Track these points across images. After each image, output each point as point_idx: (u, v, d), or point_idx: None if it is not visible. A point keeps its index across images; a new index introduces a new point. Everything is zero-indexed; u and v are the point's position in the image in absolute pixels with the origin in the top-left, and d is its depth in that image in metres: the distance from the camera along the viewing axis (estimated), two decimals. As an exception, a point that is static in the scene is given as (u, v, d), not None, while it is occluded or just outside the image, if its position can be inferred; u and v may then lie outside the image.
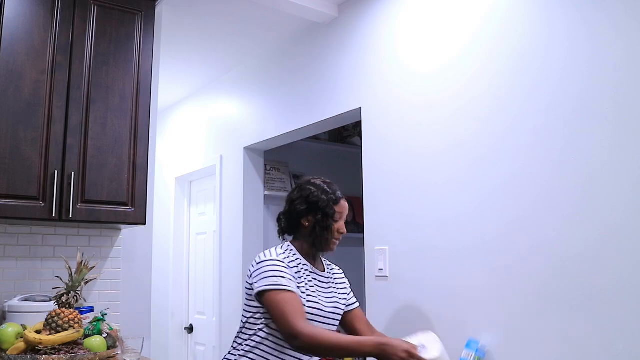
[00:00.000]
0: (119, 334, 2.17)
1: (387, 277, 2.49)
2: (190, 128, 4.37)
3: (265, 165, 3.78)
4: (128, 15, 2.40)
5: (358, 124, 3.12)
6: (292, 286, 1.70)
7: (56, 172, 2.13)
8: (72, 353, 1.79)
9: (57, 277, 2.02)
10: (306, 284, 1.79)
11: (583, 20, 1.84)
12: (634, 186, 1.66)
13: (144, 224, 2.35)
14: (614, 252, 1.69)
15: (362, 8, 2.78)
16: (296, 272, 1.77)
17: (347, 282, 2.04)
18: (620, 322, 1.65)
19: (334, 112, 2.88)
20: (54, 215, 2.10)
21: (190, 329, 4.25)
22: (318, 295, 1.81)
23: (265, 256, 1.77)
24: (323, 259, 1.97)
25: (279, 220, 1.92)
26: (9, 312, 2.09)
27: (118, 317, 2.44)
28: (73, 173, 2.16)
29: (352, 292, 2.03)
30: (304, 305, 1.72)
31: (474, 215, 2.12)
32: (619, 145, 1.70)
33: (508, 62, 2.06)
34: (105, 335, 2.02)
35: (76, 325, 1.87)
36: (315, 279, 1.84)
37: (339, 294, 1.91)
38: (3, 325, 1.92)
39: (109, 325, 2.17)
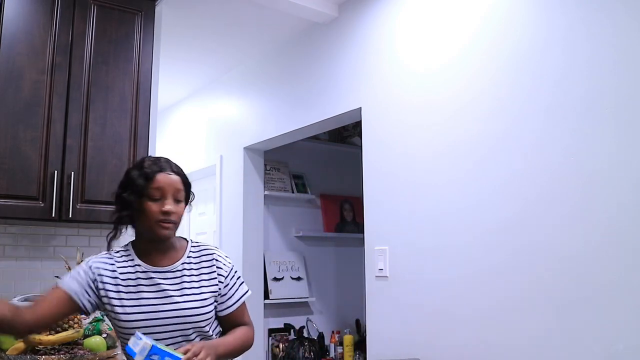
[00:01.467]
0: (118, 334, 2.16)
1: (387, 277, 2.49)
2: (190, 128, 4.37)
3: (265, 165, 3.78)
4: (128, 15, 2.39)
5: (358, 124, 3.11)
6: (73, 287, 1.43)
7: (56, 172, 2.12)
8: (71, 353, 1.79)
9: (57, 277, 2.02)
10: (124, 290, 1.47)
11: (582, 20, 1.84)
12: (634, 186, 1.66)
13: (144, 224, 2.35)
14: (614, 252, 1.69)
15: (362, 8, 2.78)
16: (102, 278, 1.47)
17: (223, 276, 1.60)
18: (620, 321, 1.65)
19: (334, 112, 2.88)
20: (53, 215, 2.10)
21: (190, 329, 4.24)
22: (146, 300, 1.47)
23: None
24: (192, 247, 1.61)
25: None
26: (8, 312, 2.09)
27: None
28: (73, 173, 2.16)
29: (230, 289, 1.60)
30: (126, 313, 1.44)
31: (474, 215, 2.12)
32: (619, 145, 1.70)
33: (508, 62, 2.06)
34: (105, 335, 2.02)
35: (76, 325, 1.87)
36: (144, 281, 1.50)
37: (196, 289, 1.53)
38: (3, 326, 1.91)
39: (108, 325, 2.17)
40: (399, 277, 2.44)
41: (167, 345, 1.40)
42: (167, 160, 1.55)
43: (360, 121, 2.75)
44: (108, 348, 1.93)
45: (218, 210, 3.81)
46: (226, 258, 1.64)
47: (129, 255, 1.53)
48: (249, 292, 1.64)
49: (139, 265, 1.51)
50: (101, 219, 2.23)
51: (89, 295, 1.45)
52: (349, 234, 4.13)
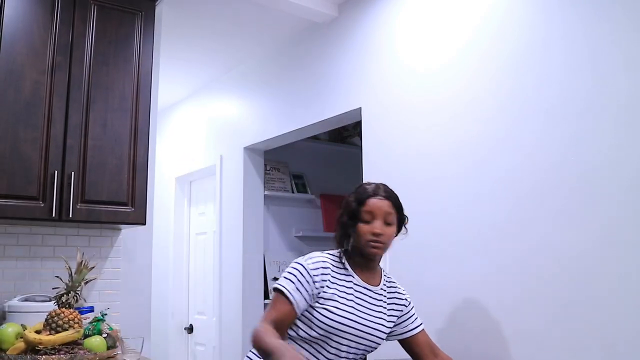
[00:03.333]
0: (118, 334, 2.17)
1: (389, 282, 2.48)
2: (190, 128, 4.37)
3: (265, 165, 3.78)
4: (128, 16, 2.39)
5: (358, 124, 3.12)
6: (296, 297, 1.60)
7: (56, 172, 2.12)
8: (72, 353, 1.79)
9: (57, 277, 2.02)
10: (339, 293, 1.65)
11: (582, 19, 1.84)
12: (634, 186, 1.66)
13: (144, 224, 2.35)
14: (614, 252, 1.69)
15: (362, 8, 2.78)
16: (323, 279, 1.64)
17: (408, 306, 1.82)
18: (621, 322, 1.65)
19: (334, 112, 2.88)
20: (53, 215, 2.10)
21: (190, 329, 4.25)
22: (354, 308, 1.65)
23: (300, 258, 1.71)
24: (385, 275, 1.81)
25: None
26: (8, 312, 2.09)
27: (118, 317, 2.44)
28: (73, 173, 2.16)
29: (413, 317, 1.82)
30: (328, 313, 1.61)
31: (475, 215, 2.12)
32: (619, 145, 1.70)
33: (508, 62, 2.06)
34: (105, 335, 2.02)
35: (76, 325, 1.87)
36: (357, 291, 1.69)
37: (387, 314, 1.73)
38: (3, 325, 1.92)
39: (108, 325, 2.17)
40: (399, 277, 2.43)
41: (341, 357, 1.66)
42: (381, 186, 1.71)
43: (360, 121, 2.75)
44: (108, 348, 1.93)
45: (218, 210, 3.81)
46: (406, 293, 1.85)
47: (344, 264, 1.70)
48: (422, 325, 1.83)
49: (352, 276, 1.69)
50: (101, 219, 2.23)
51: (306, 302, 1.62)
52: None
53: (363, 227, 1.64)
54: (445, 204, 2.25)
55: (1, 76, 2.06)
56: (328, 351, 1.65)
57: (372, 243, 1.64)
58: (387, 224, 1.66)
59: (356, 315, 1.64)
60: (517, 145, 2.00)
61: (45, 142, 2.13)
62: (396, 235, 1.73)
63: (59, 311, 1.87)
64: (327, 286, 1.63)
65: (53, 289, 2.01)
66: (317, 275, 1.62)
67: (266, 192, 3.73)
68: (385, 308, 1.73)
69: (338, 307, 1.62)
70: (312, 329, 1.63)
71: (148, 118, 2.39)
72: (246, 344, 3.40)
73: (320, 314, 1.61)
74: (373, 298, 1.71)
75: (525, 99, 1.99)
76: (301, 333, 1.65)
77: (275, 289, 1.63)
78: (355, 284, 1.69)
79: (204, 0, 2.80)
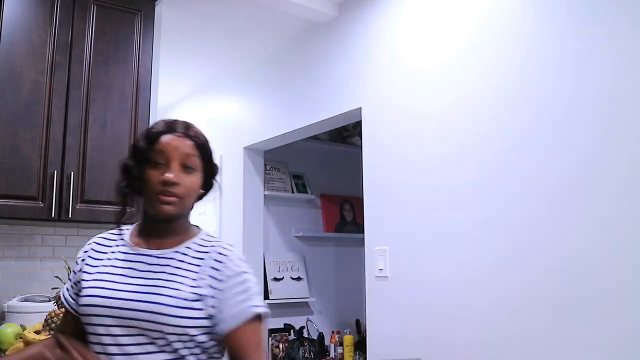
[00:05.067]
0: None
1: (387, 277, 2.48)
2: (190, 128, 4.36)
3: (265, 165, 3.78)
4: (127, 15, 2.39)
5: (358, 124, 3.11)
6: (65, 295, 1.27)
7: (55, 172, 2.12)
8: (71, 353, 1.78)
9: (57, 277, 2.02)
10: (93, 269, 1.22)
11: (582, 19, 1.83)
12: (636, 186, 1.65)
13: (144, 224, 2.35)
14: (614, 253, 1.68)
15: (362, 8, 2.78)
16: (81, 265, 1.26)
17: (222, 280, 1.17)
18: (621, 321, 1.65)
19: (334, 112, 2.88)
20: (53, 215, 2.10)
21: (190, 329, 4.24)
22: (112, 280, 1.18)
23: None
24: (203, 236, 1.26)
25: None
26: (8, 312, 2.09)
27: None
28: (72, 173, 2.16)
29: (231, 297, 1.17)
30: (82, 290, 1.19)
31: (475, 215, 2.12)
32: (621, 146, 1.70)
33: (508, 62, 2.06)
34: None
35: (75, 325, 1.86)
36: (123, 260, 1.22)
37: (185, 284, 1.15)
38: (2, 326, 1.92)
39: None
40: (399, 277, 2.43)
41: (125, 344, 1.11)
42: (185, 123, 1.25)
43: (360, 121, 2.74)
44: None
45: (218, 210, 3.81)
46: (239, 259, 1.23)
47: (123, 234, 1.29)
48: (262, 310, 1.20)
49: (125, 245, 1.25)
50: (101, 219, 2.23)
51: (72, 291, 1.26)
52: (349, 234, 4.13)
53: (152, 173, 1.17)
54: (445, 203, 2.25)
55: (1, 76, 2.06)
56: (91, 341, 1.15)
57: (162, 196, 1.16)
58: (187, 169, 1.20)
59: (111, 290, 1.15)
60: (517, 145, 2.00)
61: (44, 141, 2.12)
62: (203, 193, 1.27)
63: (58, 311, 1.87)
64: (83, 269, 1.24)
65: (52, 289, 2.01)
66: (77, 264, 1.28)
67: (266, 192, 3.73)
68: (170, 275, 1.17)
69: (98, 280, 1.18)
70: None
71: (148, 118, 2.39)
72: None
73: (79, 295, 1.21)
74: (151, 263, 1.20)
75: (526, 99, 1.98)
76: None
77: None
78: (121, 252, 1.24)
79: (203, 0, 2.80)
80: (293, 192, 3.98)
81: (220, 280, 1.17)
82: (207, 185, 1.28)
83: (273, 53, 3.41)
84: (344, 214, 4.21)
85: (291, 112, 3.20)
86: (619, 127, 1.71)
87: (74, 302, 1.24)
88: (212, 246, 1.22)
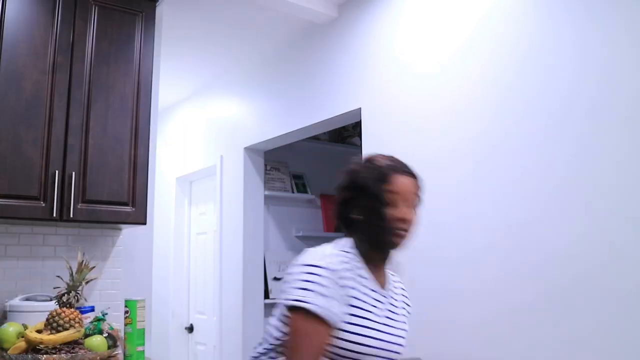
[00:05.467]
0: (119, 333, 2.18)
1: (393, 274, 2.49)
2: (191, 128, 4.38)
3: (266, 165, 3.79)
4: (129, 16, 2.40)
5: (358, 124, 3.12)
6: (331, 311, 1.19)
7: (57, 172, 2.13)
8: (72, 353, 1.79)
9: (58, 276, 2.02)
10: (363, 304, 1.26)
11: (582, 18, 1.84)
12: (633, 185, 1.66)
13: (145, 223, 2.36)
14: (617, 258, 1.69)
15: (362, 8, 2.79)
16: (352, 285, 1.25)
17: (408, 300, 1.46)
18: (623, 328, 1.66)
19: (334, 112, 2.89)
20: (54, 215, 2.10)
21: (190, 329, 4.26)
22: (379, 323, 1.27)
23: (309, 255, 1.26)
24: (386, 270, 1.41)
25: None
26: (10, 311, 2.10)
27: (119, 317, 2.45)
28: (74, 173, 2.17)
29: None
30: (355, 337, 1.22)
31: (475, 216, 2.13)
32: (623, 148, 1.71)
33: (508, 63, 2.07)
34: (105, 335, 2.02)
35: (77, 324, 1.87)
36: (375, 299, 1.30)
37: (402, 318, 1.38)
38: (4, 325, 1.92)
39: (109, 325, 2.18)
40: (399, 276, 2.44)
41: None
42: (401, 160, 1.39)
43: (360, 121, 2.75)
44: (109, 348, 1.94)
45: (218, 210, 3.82)
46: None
47: (360, 264, 1.30)
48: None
49: (368, 279, 1.30)
50: (102, 219, 2.23)
51: (340, 309, 1.22)
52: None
53: (391, 212, 1.27)
54: (445, 203, 2.26)
55: (2, 76, 2.06)
56: None
57: (401, 233, 1.28)
58: (414, 208, 1.32)
59: (381, 332, 1.27)
60: (518, 145, 2.01)
61: (46, 142, 2.13)
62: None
63: (60, 311, 1.88)
64: (354, 294, 1.24)
65: (54, 288, 2.01)
66: (344, 279, 1.23)
67: (266, 192, 3.74)
68: (399, 310, 1.39)
69: (365, 322, 1.24)
70: (337, 354, 1.23)
71: (148, 118, 2.40)
72: (246, 343, 3.41)
73: (350, 332, 1.22)
74: (389, 303, 1.35)
75: (526, 99, 1.99)
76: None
77: (294, 308, 1.19)
78: (371, 289, 1.30)
79: (204, 1, 2.81)
80: (293, 192, 3.99)
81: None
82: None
83: (273, 54, 3.42)
84: (344, 214, 4.21)
85: (291, 113, 3.21)
86: (618, 127, 1.72)
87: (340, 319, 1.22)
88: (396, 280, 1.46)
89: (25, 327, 1.89)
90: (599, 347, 1.70)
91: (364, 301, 1.25)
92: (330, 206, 4.13)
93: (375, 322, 1.26)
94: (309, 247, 1.32)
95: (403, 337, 1.34)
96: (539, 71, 1.95)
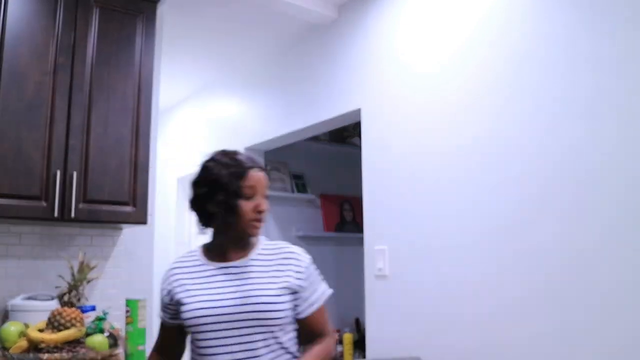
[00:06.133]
0: (120, 333, 2.19)
1: (386, 276, 2.50)
2: (191, 128, 4.39)
3: (266, 165, 3.79)
4: (129, 17, 2.41)
5: (358, 125, 3.13)
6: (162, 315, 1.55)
7: (58, 172, 2.14)
8: (74, 351, 1.80)
9: (60, 276, 2.03)
10: (186, 284, 1.47)
11: (582, 19, 1.85)
12: (634, 188, 1.67)
13: (145, 223, 2.37)
14: (616, 252, 1.70)
15: (362, 9, 2.80)
16: (177, 279, 1.49)
17: (300, 272, 1.47)
18: (620, 322, 1.67)
19: (334, 113, 2.90)
20: (56, 215, 2.11)
21: (190, 328, 4.26)
22: (204, 293, 1.43)
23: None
24: (265, 243, 1.54)
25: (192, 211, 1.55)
26: (11, 310, 2.11)
27: (120, 317, 2.46)
28: (75, 173, 2.18)
29: (310, 285, 1.48)
30: (184, 310, 1.42)
31: (474, 215, 2.14)
32: (620, 146, 1.72)
33: (508, 63, 2.08)
34: (107, 334, 2.03)
35: (78, 324, 1.88)
36: (211, 275, 1.47)
37: (271, 280, 1.44)
38: (6, 324, 1.93)
39: (110, 324, 2.19)
40: (399, 276, 2.45)
41: (229, 344, 1.37)
42: (251, 156, 1.53)
43: (360, 121, 2.76)
44: (110, 347, 1.95)
45: (219, 210, 3.82)
46: (304, 253, 1.53)
47: (196, 256, 1.53)
48: (329, 290, 1.53)
49: (203, 264, 1.50)
50: (103, 219, 2.25)
51: (170, 311, 1.51)
52: (348, 233, 4.14)
53: (246, 205, 1.43)
54: (444, 203, 2.27)
55: (4, 77, 2.07)
56: (206, 351, 1.40)
57: (256, 223, 1.46)
58: (266, 198, 1.49)
59: (208, 301, 1.41)
60: (517, 146, 2.01)
61: (47, 142, 2.14)
62: None
63: (61, 310, 1.89)
64: (176, 288, 1.47)
65: (55, 287, 2.02)
66: (164, 288, 1.51)
67: (266, 192, 3.74)
68: (257, 276, 1.44)
69: (192, 296, 1.43)
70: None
71: (149, 118, 2.41)
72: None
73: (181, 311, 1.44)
74: (237, 272, 1.45)
75: (526, 99, 2.00)
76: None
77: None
78: (207, 269, 1.48)
79: (204, 2, 2.82)
80: (293, 192, 3.99)
81: (300, 273, 1.46)
82: None
83: (273, 55, 3.43)
84: (344, 214, 4.23)
85: (291, 113, 3.22)
86: (618, 127, 1.72)
87: (173, 319, 1.50)
88: (287, 248, 1.52)
89: (27, 326, 1.90)
90: (596, 339, 1.70)
91: (184, 286, 1.47)
92: (331, 206, 4.14)
93: (199, 290, 1.43)
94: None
95: (261, 290, 1.41)
96: (539, 71, 1.96)
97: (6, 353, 1.78)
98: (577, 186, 1.81)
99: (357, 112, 2.77)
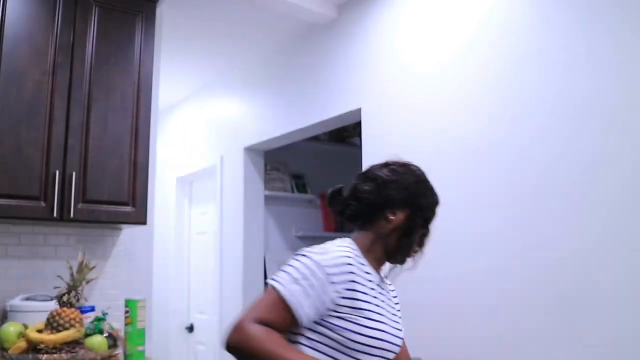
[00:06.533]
0: (119, 333, 2.18)
1: (386, 276, 2.49)
2: (191, 128, 4.38)
3: (266, 165, 3.79)
4: (129, 17, 2.40)
5: (358, 124, 3.13)
6: (305, 306, 1.17)
7: (57, 172, 2.13)
8: (73, 352, 1.80)
9: (59, 276, 2.03)
10: (367, 298, 1.24)
11: (581, 19, 1.85)
12: (630, 186, 1.66)
13: (145, 223, 2.36)
14: (612, 251, 1.70)
15: (362, 9, 2.79)
16: (347, 286, 1.21)
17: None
18: (619, 321, 1.66)
19: (334, 112, 2.89)
20: (55, 215, 2.11)
21: (190, 329, 4.26)
22: (384, 317, 1.27)
23: (312, 251, 1.26)
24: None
25: (344, 202, 1.41)
26: (10, 311, 2.10)
27: (119, 317, 2.45)
28: (74, 173, 2.17)
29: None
30: (365, 328, 1.21)
31: (474, 215, 2.13)
32: (617, 145, 1.71)
33: (508, 63, 2.07)
34: (106, 334, 2.03)
35: (77, 324, 1.88)
36: (380, 293, 1.31)
37: (397, 317, 1.37)
38: (5, 325, 1.93)
39: (109, 324, 2.18)
40: (399, 277, 2.44)
41: None
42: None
43: (360, 121, 2.76)
44: (109, 347, 1.94)
45: (219, 210, 3.82)
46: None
47: (361, 258, 1.30)
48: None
49: (370, 273, 1.29)
50: (102, 219, 2.24)
51: (317, 313, 1.20)
52: (348, 233, 4.12)
53: (424, 235, 1.39)
54: (444, 203, 2.26)
55: (3, 76, 2.07)
56: None
57: (414, 255, 1.39)
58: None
59: (386, 325, 1.26)
60: (517, 145, 2.01)
61: (46, 142, 2.13)
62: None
63: (60, 310, 1.88)
64: (353, 292, 1.21)
65: (54, 288, 2.02)
66: (335, 277, 1.19)
67: (266, 192, 3.74)
68: (395, 307, 1.39)
69: (371, 315, 1.23)
70: (335, 348, 1.21)
71: (149, 118, 2.40)
72: (246, 343, 3.41)
73: (350, 329, 1.19)
74: (388, 299, 1.35)
75: (526, 99, 2.00)
76: (312, 352, 1.21)
77: (273, 287, 1.18)
78: (375, 282, 1.30)
79: (204, 2, 2.81)
80: (293, 192, 3.99)
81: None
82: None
83: (273, 54, 3.42)
84: (344, 214, 4.21)
85: (291, 113, 3.22)
86: (618, 127, 1.72)
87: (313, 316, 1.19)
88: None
89: (26, 326, 1.90)
90: (606, 349, 1.70)
91: (367, 294, 1.24)
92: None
93: (381, 314, 1.25)
94: (308, 247, 1.31)
95: (401, 337, 1.32)
96: (538, 71, 1.96)
97: (5, 354, 1.77)
98: (576, 185, 1.80)
99: (358, 112, 2.77)
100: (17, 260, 2.30)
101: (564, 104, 1.87)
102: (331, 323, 1.19)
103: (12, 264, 2.28)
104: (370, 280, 1.27)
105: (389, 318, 1.28)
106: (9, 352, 1.78)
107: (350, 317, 1.20)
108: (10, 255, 2.28)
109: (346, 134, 4.30)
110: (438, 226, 2.27)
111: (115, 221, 2.29)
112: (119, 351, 1.97)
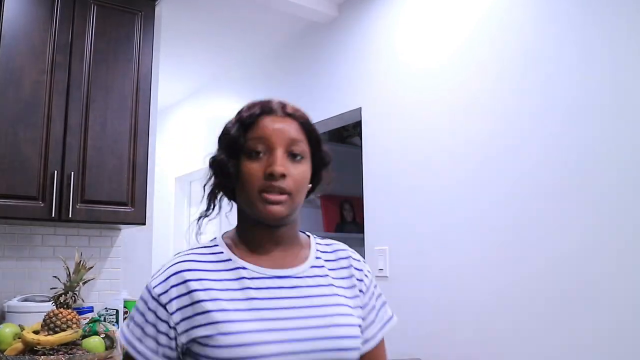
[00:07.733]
0: (117, 334, 2.17)
1: (387, 277, 2.48)
2: (190, 128, 4.37)
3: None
4: (128, 15, 2.39)
5: (358, 124, 3.11)
6: (147, 354, 0.87)
7: (56, 172, 2.12)
8: (70, 353, 1.78)
9: (55, 277, 2.02)
10: (226, 308, 0.87)
11: (580, 19, 1.83)
12: (628, 186, 1.65)
13: (144, 224, 2.35)
14: (609, 252, 1.68)
15: (362, 8, 2.78)
16: (183, 300, 0.88)
17: (363, 291, 1.03)
18: (616, 322, 1.65)
19: (334, 112, 2.88)
20: (53, 215, 2.09)
21: (190, 329, 4.24)
22: (259, 323, 0.86)
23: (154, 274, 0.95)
24: (316, 243, 1.07)
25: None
26: (7, 312, 2.09)
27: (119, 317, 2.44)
28: (73, 173, 2.16)
29: (372, 310, 1.03)
30: (228, 348, 0.83)
31: (474, 215, 2.12)
32: (617, 145, 1.70)
33: (508, 62, 2.06)
34: (102, 336, 2.01)
35: (74, 325, 1.86)
36: (257, 288, 0.90)
37: (343, 297, 0.97)
38: (1, 326, 1.92)
39: (105, 326, 2.17)
40: (399, 276, 2.43)
41: None
42: (281, 101, 1.00)
43: (360, 121, 2.74)
44: (106, 348, 1.93)
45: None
46: (365, 263, 1.08)
47: (222, 253, 0.97)
48: (395, 318, 1.06)
49: (242, 268, 0.93)
50: (101, 219, 2.23)
51: (165, 345, 0.87)
52: (349, 233, 4.12)
53: (251, 166, 0.92)
54: (445, 203, 2.25)
55: (1, 75, 2.06)
56: None
57: (267, 195, 0.90)
58: (294, 157, 0.95)
59: (263, 333, 0.85)
60: (516, 145, 2.00)
61: (45, 141, 2.12)
62: (312, 186, 1.05)
63: (57, 311, 1.87)
64: (197, 306, 0.87)
65: (51, 289, 2.00)
66: (164, 297, 0.90)
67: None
68: (333, 288, 0.97)
69: (230, 330, 0.84)
70: None
71: (148, 118, 2.39)
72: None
73: (208, 345, 0.84)
74: (297, 288, 0.93)
75: (525, 98, 1.98)
76: None
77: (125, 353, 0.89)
78: (247, 277, 0.91)
79: (203, 1, 2.80)
80: (293, 192, 3.97)
81: (363, 292, 1.01)
82: (316, 177, 1.04)
83: (273, 53, 3.41)
84: (344, 214, 4.20)
85: (291, 112, 3.20)
86: (618, 127, 1.71)
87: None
88: (343, 250, 1.05)
89: (22, 328, 1.88)
90: (603, 350, 1.69)
91: (219, 299, 0.87)
92: (331, 206, 4.12)
93: (252, 321, 0.86)
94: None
95: (339, 317, 0.92)
96: (538, 70, 1.94)
97: (1, 355, 1.76)
98: (576, 186, 1.79)
99: (358, 111, 2.75)
100: (15, 260, 2.28)
101: (564, 102, 1.85)
102: (194, 352, 0.86)
103: (10, 264, 2.27)
104: (236, 278, 0.91)
105: (271, 320, 0.87)
106: (5, 353, 1.76)
107: (205, 340, 0.84)
108: (8, 256, 2.27)
109: (346, 133, 4.28)
110: (438, 225, 2.26)
111: (114, 221, 2.28)
112: (117, 352, 1.96)
